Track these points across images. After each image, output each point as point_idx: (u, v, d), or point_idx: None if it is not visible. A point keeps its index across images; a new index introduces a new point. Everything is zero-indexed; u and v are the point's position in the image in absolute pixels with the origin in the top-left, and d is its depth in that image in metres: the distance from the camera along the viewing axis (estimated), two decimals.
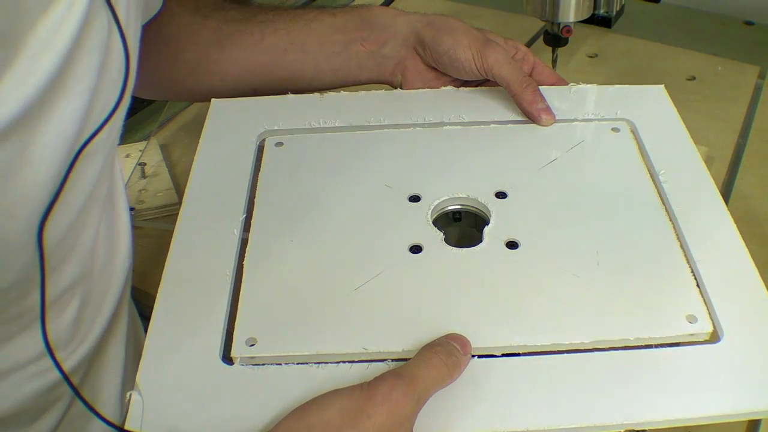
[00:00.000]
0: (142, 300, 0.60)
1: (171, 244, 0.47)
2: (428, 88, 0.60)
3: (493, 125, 0.57)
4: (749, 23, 0.92)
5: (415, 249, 0.47)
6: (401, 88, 0.61)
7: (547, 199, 0.51)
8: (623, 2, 0.84)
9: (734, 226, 0.47)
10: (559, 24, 0.73)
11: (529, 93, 0.56)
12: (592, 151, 0.54)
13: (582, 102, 0.58)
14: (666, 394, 0.39)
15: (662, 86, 0.60)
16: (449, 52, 0.57)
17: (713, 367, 0.40)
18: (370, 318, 0.43)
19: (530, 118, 0.56)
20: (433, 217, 0.50)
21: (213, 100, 0.58)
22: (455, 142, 0.56)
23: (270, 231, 0.48)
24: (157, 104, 0.81)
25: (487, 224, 0.49)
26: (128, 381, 0.38)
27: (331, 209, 0.50)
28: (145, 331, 0.42)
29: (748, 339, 0.41)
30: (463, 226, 0.53)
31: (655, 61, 0.83)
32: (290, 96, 0.59)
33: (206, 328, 0.42)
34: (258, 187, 0.52)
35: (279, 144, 0.55)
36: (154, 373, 0.40)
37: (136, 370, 0.40)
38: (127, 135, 0.78)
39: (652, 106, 0.58)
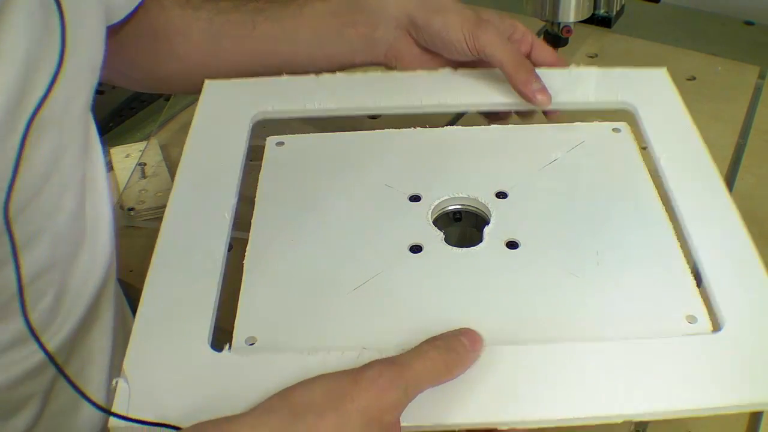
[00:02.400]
0: (139, 299, 0.60)
1: (161, 227, 0.46)
2: (424, 69, 0.59)
3: (493, 125, 0.57)
4: (749, 23, 0.92)
5: (415, 249, 0.47)
6: (399, 71, 0.60)
7: (548, 200, 0.51)
8: (623, 2, 0.84)
9: (737, 212, 0.47)
10: (559, 24, 0.73)
11: (523, 73, 0.55)
12: (592, 152, 0.54)
13: (582, 85, 0.58)
14: (666, 385, 0.38)
15: (664, 69, 0.59)
16: (441, 33, 0.57)
17: (714, 358, 0.39)
18: (369, 317, 0.43)
19: (525, 99, 0.55)
20: (434, 217, 0.50)
21: (206, 81, 0.57)
22: (456, 142, 0.56)
23: (270, 230, 0.48)
24: (157, 104, 0.81)
25: (487, 224, 0.49)
26: (116, 373, 0.38)
27: (331, 209, 0.50)
28: None
29: (750, 329, 0.41)
30: (463, 226, 0.53)
31: (655, 61, 0.82)
32: (284, 77, 0.58)
33: (195, 314, 0.42)
34: (258, 187, 0.51)
35: (280, 144, 0.55)
36: (141, 359, 0.39)
37: None
38: (127, 135, 0.78)
39: (654, 89, 0.58)
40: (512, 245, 0.47)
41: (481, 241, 0.48)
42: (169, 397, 0.38)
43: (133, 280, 0.59)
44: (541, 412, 0.37)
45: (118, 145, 0.74)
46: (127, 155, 0.72)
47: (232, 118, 0.55)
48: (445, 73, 0.59)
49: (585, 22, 0.77)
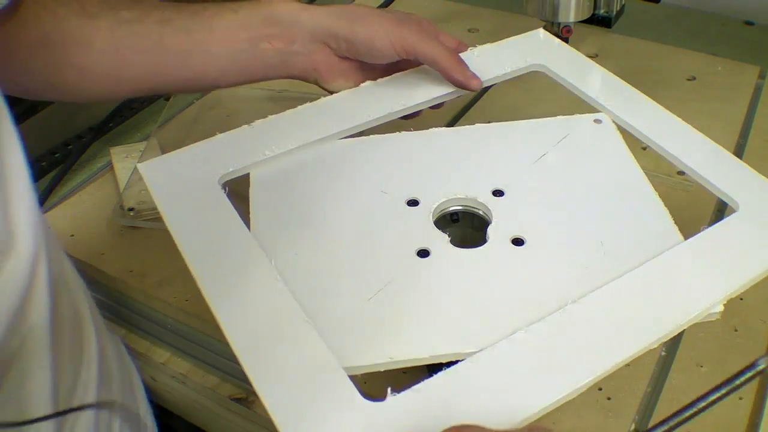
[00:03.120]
0: (139, 299, 0.60)
1: (213, 310, 0.42)
2: (346, 78, 0.59)
3: (478, 124, 0.58)
4: (749, 23, 0.92)
5: (423, 253, 0.47)
6: (318, 83, 0.60)
7: (544, 194, 0.51)
8: (623, 2, 0.84)
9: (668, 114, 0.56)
10: (559, 24, 0.73)
11: (456, 64, 0.57)
12: (578, 144, 0.55)
13: (493, 60, 0.61)
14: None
15: (540, 29, 0.65)
16: (366, 41, 0.57)
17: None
18: (390, 326, 0.42)
19: (462, 87, 0.58)
20: (434, 219, 0.50)
21: (138, 166, 0.53)
22: (442, 143, 0.56)
23: (273, 253, 0.46)
24: (157, 104, 0.81)
25: (489, 223, 0.49)
26: (62, 382, 0.36)
27: (331, 223, 0.49)
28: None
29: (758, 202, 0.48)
30: (462, 227, 0.53)
31: (655, 61, 0.83)
32: (219, 136, 0.55)
33: (321, 371, 0.40)
34: (252, 215, 0.50)
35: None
36: None
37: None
38: (127, 135, 0.78)
39: (547, 47, 0.63)
40: (518, 242, 0.48)
41: (485, 240, 0.48)
42: None
43: (133, 280, 0.59)
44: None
45: (118, 145, 0.74)
46: (127, 155, 0.72)
47: (198, 191, 0.51)
48: (377, 84, 0.59)
49: (585, 22, 0.77)
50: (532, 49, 0.63)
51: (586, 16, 0.74)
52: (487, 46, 0.63)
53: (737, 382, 0.38)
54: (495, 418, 0.37)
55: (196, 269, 0.45)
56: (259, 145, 0.54)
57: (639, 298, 0.43)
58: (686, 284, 0.44)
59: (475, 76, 0.58)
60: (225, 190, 0.51)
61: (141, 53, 0.56)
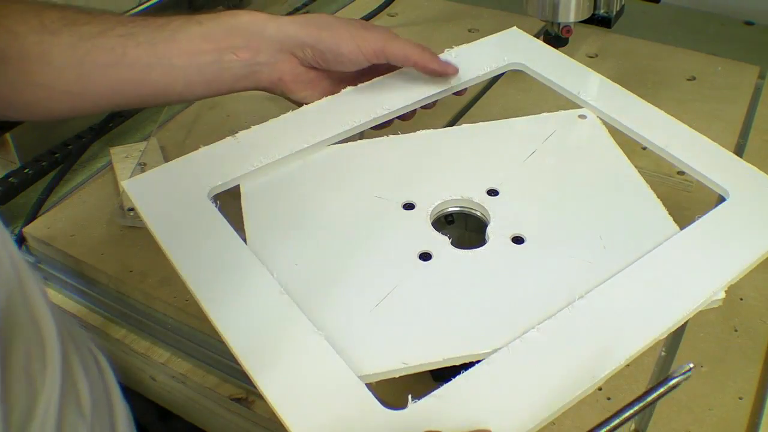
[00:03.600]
0: (139, 299, 0.60)
1: (218, 329, 0.42)
2: (313, 88, 0.59)
3: (465, 124, 0.58)
4: (749, 23, 0.92)
5: (425, 256, 0.47)
6: (285, 95, 0.60)
7: (538, 191, 0.52)
8: (623, 2, 0.84)
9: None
10: (559, 24, 0.73)
11: (429, 55, 0.58)
12: (565, 140, 0.56)
13: (472, 61, 0.61)
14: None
15: (514, 27, 0.67)
16: (333, 47, 0.57)
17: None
18: (401, 331, 0.42)
19: (439, 75, 0.58)
20: (432, 221, 0.50)
21: (123, 183, 0.53)
22: (431, 145, 0.56)
23: (272, 265, 0.46)
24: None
25: (487, 223, 0.49)
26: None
27: (328, 230, 0.49)
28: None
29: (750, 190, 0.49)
30: (458, 228, 0.53)
31: (655, 61, 0.83)
32: (204, 149, 0.55)
33: (336, 384, 0.39)
34: (246, 225, 0.49)
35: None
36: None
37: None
38: (127, 135, 0.78)
39: (525, 46, 0.65)
40: (518, 240, 0.48)
41: (484, 240, 0.48)
42: None
43: (133, 280, 0.59)
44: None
45: (118, 145, 0.74)
46: (127, 155, 0.72)
47: (187, 207, 0.50)
48: (354, 91, 0.59)
49: (585, 22, 0.77)
50: (510, 48, 0.63)
51: (586, 16, 0.74)
52: (464, 46, 0.63)
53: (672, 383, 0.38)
54: (516, 419, 0.37)
55: (198, 291, 0.44)
56: (246, 156, 0.54)
57: (645, 289, 0.43)
58: (689, 272, 0.44)
59: (449, 63, 0.58)
60: (216, 204, 0.50)
61: (104, 68, 0.55)
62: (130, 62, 0.55)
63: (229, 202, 0.52)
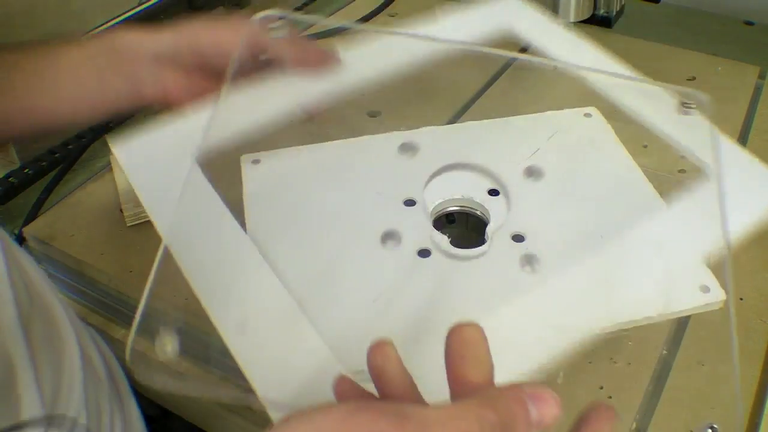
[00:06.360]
0: (139, 299, 0.59)
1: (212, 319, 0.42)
2: (197, 95, 0.57)
3: (469, 122, 0.58)
4: (749, 23, 0.92)
5: (424, 253, 0.47)
6: (171, 107, 0.58)
7: (540, 189, 0.51)
8: (623, 2, 0.84)
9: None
10: None
11: (311, 48, 0.56)
12: (570, 138, 0.56)
13: (459, 27, 0.60)
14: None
15: None
16: (210, 36, 0.56)
17: None
18: (399, 328, 0.42)
19: (322, 68, 0.56)
20: (432, 220, 0.50)
21: (113, 151, 0.53)
22: (432, 142, 0.56)
23: (269, 256, 0.46)
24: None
25: (488, 222, 0.49)
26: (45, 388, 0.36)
27: (329, 224, 0.49)
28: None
29: None
30: (456, 228, 0.53)
31: (655, 61, 0.83)
32: (192, 114, 0.54)
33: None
34: (246, 215, 0.49)
35: (256, 161, 0.54)
36: None
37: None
38: (127, 135, 0.77)
39: (516, 10, 0.63)
40: (518, 238, 0.48)
41: (484, 239, 0.48)
42: None
43: (133, 280, 0.59)
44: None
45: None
46: None
47: (171, 174, 0.50)
48: None
49: (585, 22, 0.77)
50: (501, 14, 0.62)
51: (586, 16, 0.74)
52: (451, 14, 0.61)
53: None
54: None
55: (193, 278, 0.44)
56: (237, 119, 0.53)
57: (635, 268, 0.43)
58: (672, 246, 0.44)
59: (330, 53, 0.56)
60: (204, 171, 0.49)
61: None
62: (16, 92, 0.55)
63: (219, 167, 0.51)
